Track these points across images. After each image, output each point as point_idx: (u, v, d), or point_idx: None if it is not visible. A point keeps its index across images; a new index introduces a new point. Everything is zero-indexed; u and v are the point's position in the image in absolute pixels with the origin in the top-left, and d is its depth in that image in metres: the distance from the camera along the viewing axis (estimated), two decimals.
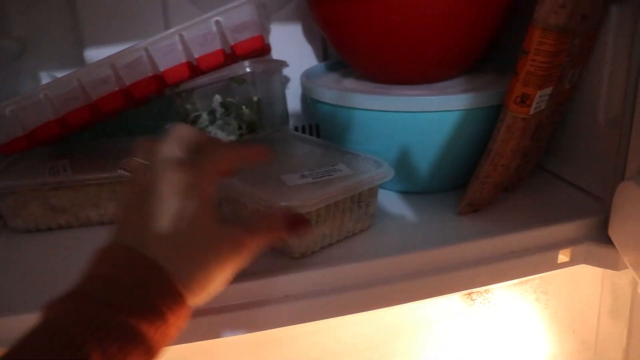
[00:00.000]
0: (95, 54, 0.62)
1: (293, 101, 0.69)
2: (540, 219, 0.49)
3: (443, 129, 0.50)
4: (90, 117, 0.52)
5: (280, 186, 0.45)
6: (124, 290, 0.31)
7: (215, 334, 0.42)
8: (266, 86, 0.52)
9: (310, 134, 0.72)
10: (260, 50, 0.53)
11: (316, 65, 0.65)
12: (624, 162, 0.46)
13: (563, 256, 0.47)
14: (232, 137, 0.52)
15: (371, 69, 0.57)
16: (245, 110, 0.51)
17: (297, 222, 0.39)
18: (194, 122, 0.52)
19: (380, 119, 0.50)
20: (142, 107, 0.59)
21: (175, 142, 0.36)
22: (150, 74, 0.51)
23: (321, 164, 0.48)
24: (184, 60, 0.51)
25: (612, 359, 0.56)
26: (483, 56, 0.55)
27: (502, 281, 0.48)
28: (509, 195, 0.54)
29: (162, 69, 0.51)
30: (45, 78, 0.66)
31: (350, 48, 0.56)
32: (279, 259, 0.45)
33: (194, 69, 0.52)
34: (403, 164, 0.52)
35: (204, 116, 0.52)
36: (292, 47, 0.67)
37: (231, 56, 0.52)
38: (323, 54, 0.70)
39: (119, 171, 0.41)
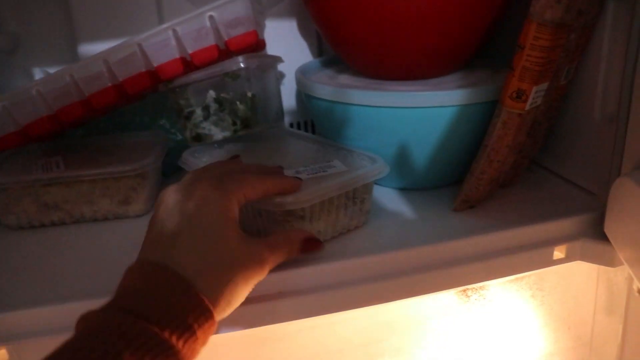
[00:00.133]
0: (88, 49, 0.62)
1: (288, 97, 0.69)
2: (536, 215, 0.48)
3: (438, 125, 0.49)
4: (83, 113, 0.51)
5: None
6: (157, 304, 0.32)
7: None
8: (261, 82, 0.52)
9: (306, 131, 0.72)
10: (255, 45, 0.53)
11: (311, 61, 0.65)
12: (620, 159, 0.46)
13: (559, 253, 0.47)
14: (226, 133, 0.52)
15: (366, 65, 0.57)
16: (239, 106, 0.51)
17: (312, 243, 0.41)
18: (187, 117, 0.52)
19: (376, 114, 0.50)
20: (135, 103, 0.59)
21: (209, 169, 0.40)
22: (143, 70, 0.50)
23: (316, 160, 0.48)
24: (177, 55, 0.50)
25: (607, 355, 0.56)
26: (478, 52, 0.55)
27: (498, 277, 0.48)
28: (504, 191, 0.54)
29: (155, 65, 0.50)
30: (38, 74, 0.66)
31: (345, 44, 0.56)
32: None
33: (188, 64, 0.51)
34: (398, 160, 0.52)
35: (198, 112, 0.52)
36: (286, 43, 0.67)
37: (225, 52, 0.52)
38: (318, 50, 0.69)
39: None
